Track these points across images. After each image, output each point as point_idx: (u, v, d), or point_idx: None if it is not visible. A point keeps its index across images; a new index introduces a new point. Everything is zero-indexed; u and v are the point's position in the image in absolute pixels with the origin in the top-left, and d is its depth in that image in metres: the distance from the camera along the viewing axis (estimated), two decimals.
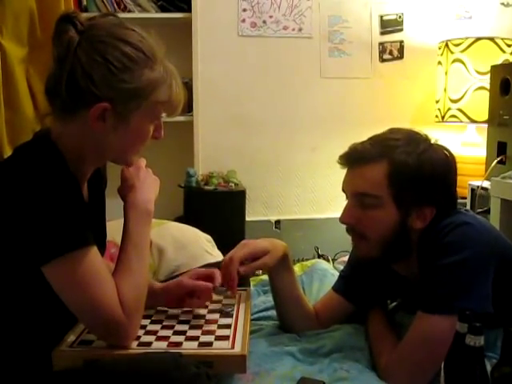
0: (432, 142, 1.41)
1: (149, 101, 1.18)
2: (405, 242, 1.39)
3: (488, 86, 2.68)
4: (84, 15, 1.19)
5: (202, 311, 1.42)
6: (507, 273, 1.34)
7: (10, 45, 1.69)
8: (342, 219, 1.41)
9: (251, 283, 1.74)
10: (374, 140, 1.41)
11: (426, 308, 1.30)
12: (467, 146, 3.05)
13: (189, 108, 2.96)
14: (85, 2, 2.83)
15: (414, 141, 1.38)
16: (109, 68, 1.13)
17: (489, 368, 1.00)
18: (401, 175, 1.34)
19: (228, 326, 1.32)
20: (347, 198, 1.43)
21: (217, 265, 1.57)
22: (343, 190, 1.44)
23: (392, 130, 1.44)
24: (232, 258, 1.45)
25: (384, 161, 1.35)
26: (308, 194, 3.27)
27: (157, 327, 1.32)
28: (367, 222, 1.38)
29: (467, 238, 1.30)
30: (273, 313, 1.66)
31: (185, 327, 1.32)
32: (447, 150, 1.42)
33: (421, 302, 1.32)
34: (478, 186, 2.42)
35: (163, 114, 1.25)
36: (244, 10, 3.11)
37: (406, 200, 1.35)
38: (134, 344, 1.21)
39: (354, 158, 1.40)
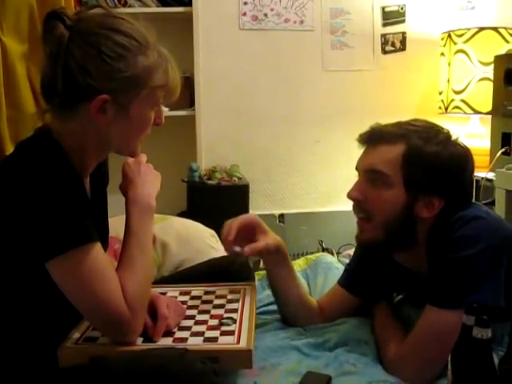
0: (453, 137, 1.41)
1: (147, 87, 1.17)
2: (410, 230, 1.38)
3: (492, 77, 2.66)
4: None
5: (207, 306, 1.42)
6: None
7: (10, 41, 1.69)
8: (350, 194, 1.41)
9: (256, 277, 1.73)
10: (396, 124, 1.42)
11: (436, 302, 1.29)
12: (471, 137, 3.03)
13: (191, 102, 2.95)
14: None
15: (434, 130, 1.40)
16: (103, 59, 1.12)
17: (496, 361, 0.99)
18: (415, 159, 1.34)
19: (233, 321, 1.32)
20: (359, 175, 1.43)
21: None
22: (356, 168, 1.44)
23: (415, 119, 1.45)
24: (231, 223, 1.50)
25: (402, 142, 1.36)
26: (312, 187, 3.26)
27: None
28: (374, 200, 1.37)
29: (479, 232, 1.29)
30: None
31: (190, 323, 1.32)
32: (467, 148, 1.41)
33: (430, 296, 1.31)
34: (482, 178, 2.40)
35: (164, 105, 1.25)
36: (245, 4, 3.09)
37: (417, 185, 1.35)
38: (139, 340, 1.20)
39: (373, 137, 1.41)
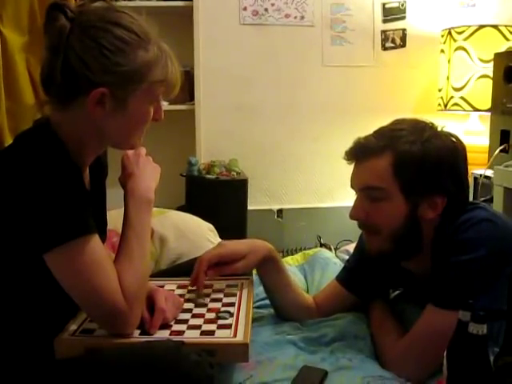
0: (438, 129, 1.39)
1: (145, 82, 1.17)
2: (416, 235, 1.36)
3: (491, 74, 2.66)
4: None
5: (205, 300, 1.42)
6: None
7: (10, 33, 1.69)
8: (352, 215, 1.39)
9: (253, 271, 1.73)
10: (378, 132, 1.39)
11: (438, 302, 1.27)
12: (470, 134, 3.03)
13: (190, 97, 2.95)
14: None
15: (418, 129, 1.36)
16: (103, 52, 1.12)
17: (491, 357, 0.99)
18: (405, 165, 1.32)
19: (230, 315, 1.32)
20: (356, 193, 1.41)
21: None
22: (352, 187, 1.41)
23: (396, 121, 1.42)
24: (201, 259, 1.44)
25: (388, 152, 1.33)
26: (310, 182, 3.27)
27: None
28: (377, 216, 1.35)
29: (487, 235, 1.27)
30: None
31: (187, 316, 1.32)
32: (455, 136, 1.39)
33: (432, 296, 1.29)
34: (480, 175, 2.41)
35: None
36: None
37: (414, 190, 1.33)
38: (136, 332, 1.20)
39: (358, 152, 1.38)
